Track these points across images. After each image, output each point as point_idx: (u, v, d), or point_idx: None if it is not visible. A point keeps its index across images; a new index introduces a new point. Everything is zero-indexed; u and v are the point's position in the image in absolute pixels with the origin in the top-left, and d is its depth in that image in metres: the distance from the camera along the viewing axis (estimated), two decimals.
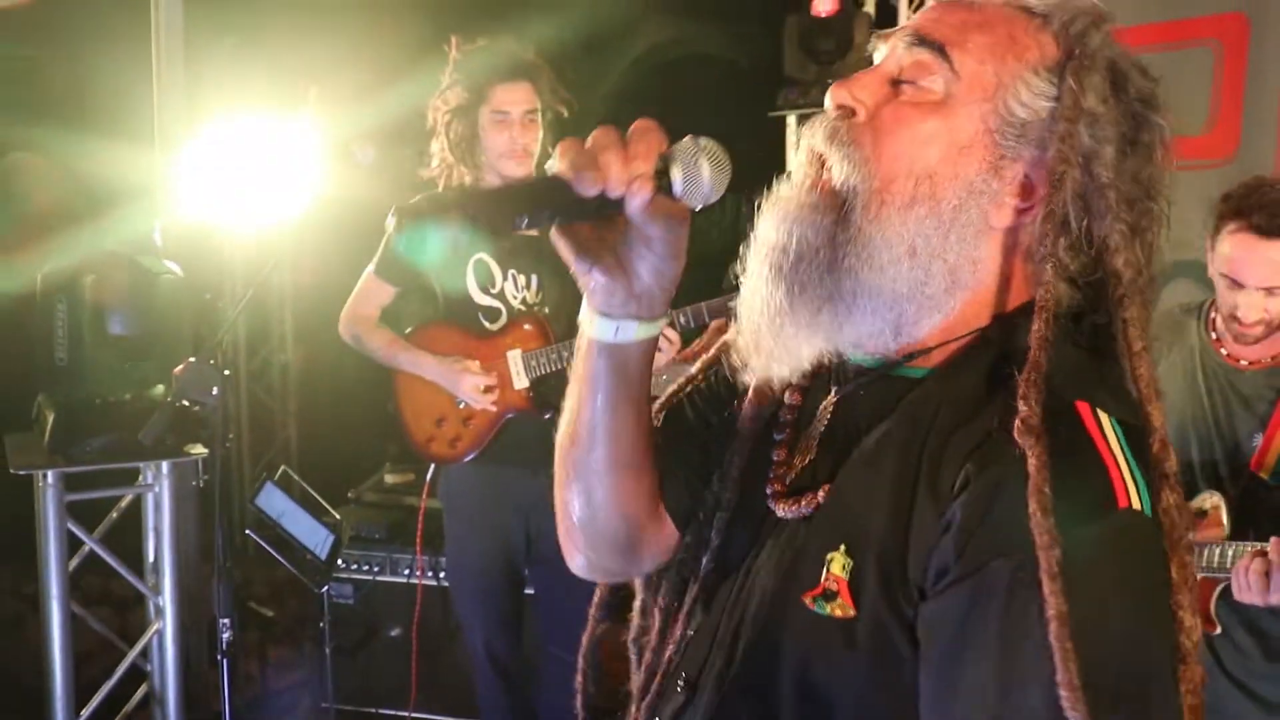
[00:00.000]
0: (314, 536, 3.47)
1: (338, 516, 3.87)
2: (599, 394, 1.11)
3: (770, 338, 1.05)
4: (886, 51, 1.06)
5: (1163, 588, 0.93)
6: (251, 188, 3.55)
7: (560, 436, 1.20)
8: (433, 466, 3.46)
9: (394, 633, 3.97)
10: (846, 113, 1.03)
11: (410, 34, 4.04)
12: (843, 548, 0.99)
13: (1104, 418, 0.96)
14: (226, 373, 2.91)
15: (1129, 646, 0.89)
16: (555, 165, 0.96)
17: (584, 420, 1.14)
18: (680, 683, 1.13)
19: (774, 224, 1.04)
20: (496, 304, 3.19)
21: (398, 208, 0.95)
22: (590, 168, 0.94)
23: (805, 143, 1.06)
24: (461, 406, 3.19)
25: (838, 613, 0.98)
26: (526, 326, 3.16)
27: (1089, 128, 1.00)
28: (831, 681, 1.00)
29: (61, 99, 4.82)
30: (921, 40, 1.01)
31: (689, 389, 1.28)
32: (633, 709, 1.22)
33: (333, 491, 4.26)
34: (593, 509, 1.19)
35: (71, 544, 3.31)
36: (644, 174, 0.96)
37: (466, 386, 3.13)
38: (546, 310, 3.17)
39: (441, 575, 3.81)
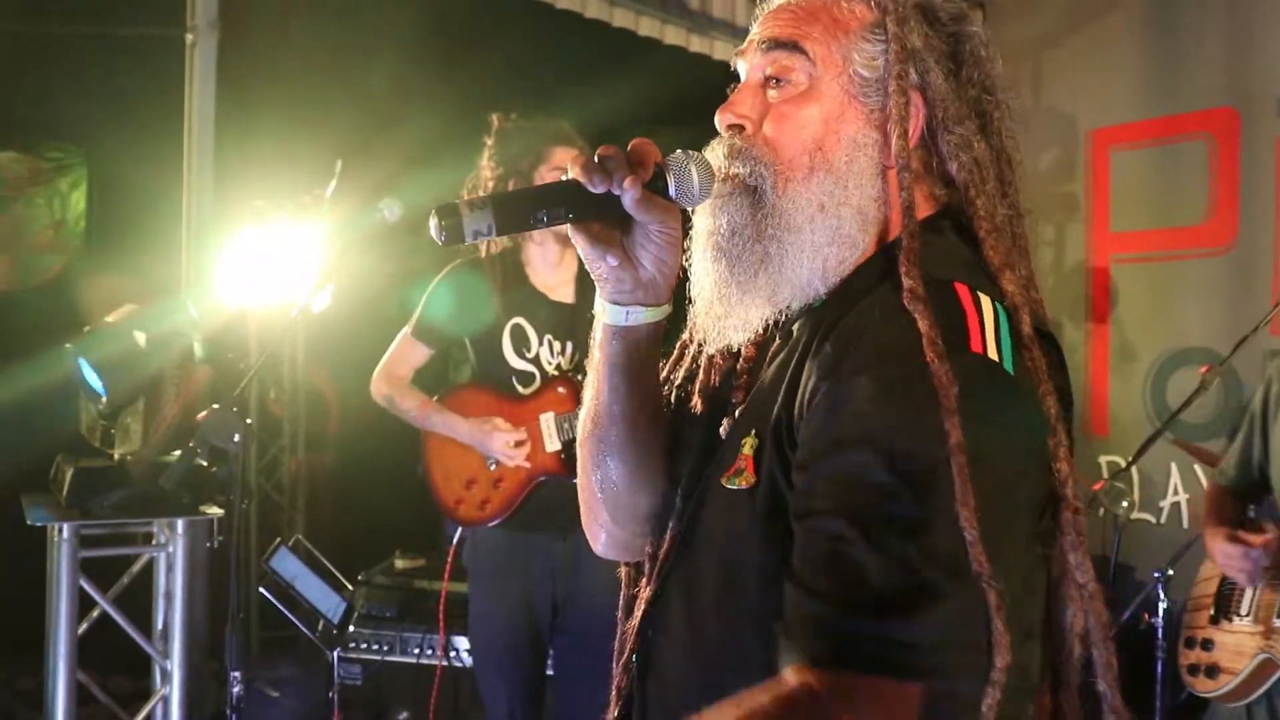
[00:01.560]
0: (326, 601, 3.44)
1: (350, 586, 3.83)
2: (614, 375, 1.26)
3: (721, 307, 1.21)
4: (747, 64, 1.24)
5: (993, 424, 1.02)
6: (279, 277, 3.63)
7: (582, 421, 1.36)
8: (455, 539, 3.44)
9: (402, 716, 3.88)
10: (737, 130, 1.21)
11: (437, 122, 4.20)
12: (753, 432, 1.16)
13: (984, 299, 1.10)
14: (249, 421, 2.92)
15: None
16: (570, 173, 1.14)
17: (602, 401, 1.30)
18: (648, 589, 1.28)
19: (706, 216, 1.21)
20: (531, 369, 3.22)
21: (437, 208, 1.11)
22: (599, 171, 1.12)
23: (713, 161, 1.23)
24: (492, 468, 3.20)
25: (743, 484, 1.14)
26: (560, 390, 3.19)
27: (915, 63, 1.18)
28: (740, 545, 1.14)
29: (92, 194, 4.97)
30: (778, 44, 1.20)
31: (670, 373, 1.41)
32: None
33: (343, 576, 4.23)
34: (613, 482, 1.34)
35: (81, 609, 3.28)
36: (641, 175, 1.13)
37: (498, 444, 3.14)
38: (581, 376, 3.20)
39: (453, 655, 3.74)
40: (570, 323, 3.20)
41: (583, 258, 1.20)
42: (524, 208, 1.14)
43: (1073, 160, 5.14)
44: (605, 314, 1.23)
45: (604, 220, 1.16)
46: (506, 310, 3.22)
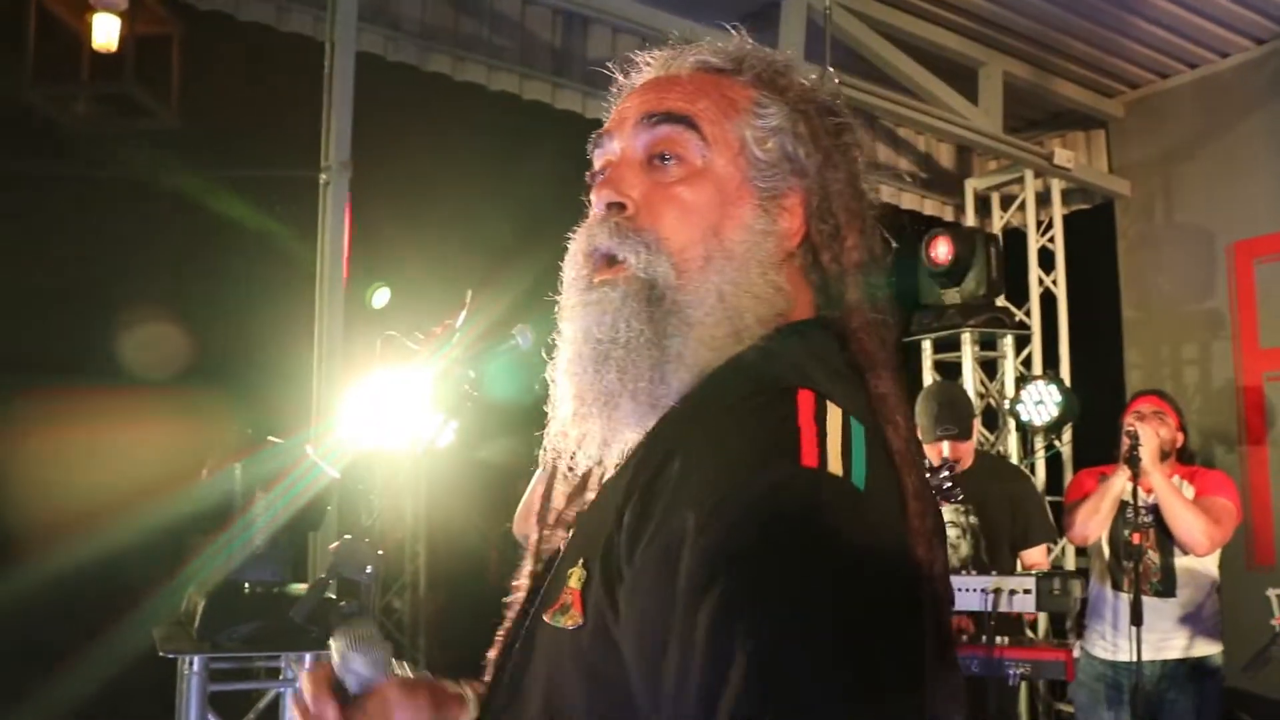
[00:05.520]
0: None
1: None
2: None
3: (603, 420, 1.06)
4: (619, 144, 1.12)
5: (829, 542, 0.87)
6: (405, 414, 3.65)
7: None
8: None
9: None
10: (617, 209, 1.08)
11: (562, 250, 4.24)
12: (580, 562, 1.00)
13: (831, 408, 0.95)
14: (380, 552, 2.88)
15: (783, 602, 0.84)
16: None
17: None
18: None
19: (593, 320, 1.06)
20: None
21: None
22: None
23: (578, 246, 1.11)
24: None
25: (569, 623, 0.98)
26: None
27: (805, 149, 1.10)
28: (566, 691, 0.99)
29: (227, 348, 5.12)
30: (670, 118, 1.09)
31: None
32: None
33: None
34: None
35: None
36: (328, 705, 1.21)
37: None
38: None
39: None
40: None
41: None
42: None
43: (1213, 276, 4.95)
44: None
45: None
46: None
